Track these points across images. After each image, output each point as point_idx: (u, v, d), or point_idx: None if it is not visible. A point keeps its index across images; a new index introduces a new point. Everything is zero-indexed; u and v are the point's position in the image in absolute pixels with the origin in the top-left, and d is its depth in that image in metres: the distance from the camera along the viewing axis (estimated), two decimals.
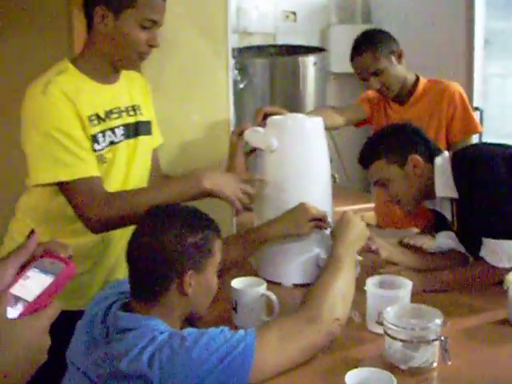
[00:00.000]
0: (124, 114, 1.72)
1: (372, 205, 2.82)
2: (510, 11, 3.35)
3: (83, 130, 1.59)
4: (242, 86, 2.68)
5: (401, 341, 1.26)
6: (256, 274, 1.77)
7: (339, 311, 1.33)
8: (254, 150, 1.87)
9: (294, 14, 3.63)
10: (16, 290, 0.74)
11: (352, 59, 2.30)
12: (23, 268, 0.77)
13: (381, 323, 1.31)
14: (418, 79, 2.32)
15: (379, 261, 1.79)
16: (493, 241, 1.64)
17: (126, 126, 1.71)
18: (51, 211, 1.66)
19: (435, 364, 1.28)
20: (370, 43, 2.25)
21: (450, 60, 3.25)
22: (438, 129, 2.25)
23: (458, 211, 1.78)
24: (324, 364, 1.31)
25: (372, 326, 1.45)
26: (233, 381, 1.16)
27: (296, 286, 1.78)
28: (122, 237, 1.66)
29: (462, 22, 3.21)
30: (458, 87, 2.30)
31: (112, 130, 1.67)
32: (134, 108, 1.76)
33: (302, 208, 1.71)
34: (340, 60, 3.59)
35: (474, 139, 2.37)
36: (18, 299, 0.73)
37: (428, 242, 2.08)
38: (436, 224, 1.97)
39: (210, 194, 1.61)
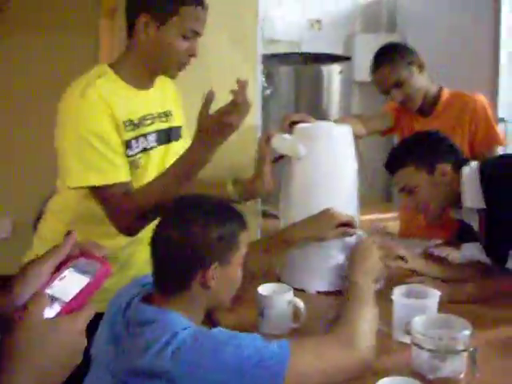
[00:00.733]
0: (157, 120, 1.74)
1: (394, 214, 2.81)
2: None
3: (118, 134, 1.60)
4: (268, 92, 2.70)
5: (429, 351, 1.26)
6: (279, 280, 1.78)
7: (370, 340, 1.29)
8: (280, 158, 1.87)
9: (319, 22, 3.64)
10: (52, 289, 0.74)
11: (373, 74, 2.30)
12: (59, 268, 0.77)
13: (408, 333, 1.31)
14: (440, 90, 2.31)
15: (405, 270, 1.79)
16: None
17: (159, 132, 1.74)
18: (82, 213, 1.68)
19: (462, 375, 1.27)
20: (388, 55, 2.25)
21: (476, 70, 3.24)
22: (461, 141, 2.23)
23: (485, 222, 1.77)
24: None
25: (399, 335, 1.45)
26: None
27: (319, 293, 1.79)
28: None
29: (488, 31, 3.20)
30: (482, 99, 2.29)
31: (145, 136, 1.69)
32: (166, 114, 1.78)
33: (327, 213, 1.71)
34: (364, 68, 3.56)
35: (500, 151, 2.36)
36: (54, 299, 0.73)
37: (452, 253, 2.07)
38: (461, 234, 1.96)
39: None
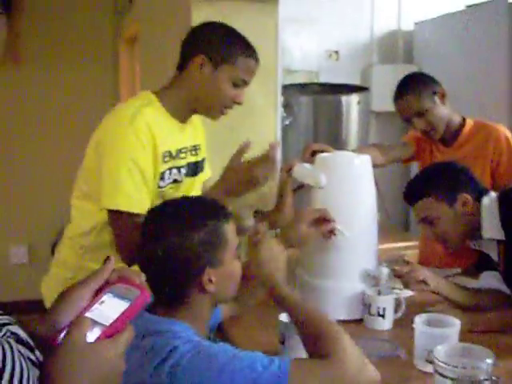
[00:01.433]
0: (189, 154, 1.79)
1: (412, 243, 2.82)
2: None
3: (154, 166, 1.64)
4: (287, 122, 2.73)
5: (451, 379, 1.26)
6: None
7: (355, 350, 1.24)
8: (300, 187, 1.90)
9: (337, 53, 3.69)
10: (92, 314, 0.76)
11: (395, 102, 2.33)
12: (98, 293, 0.79)
13: (431, 361, 1.31)
14: (464, 121, 2.34)
15: (428, 300, 1.80)
16: None
17: (189, 165, 1.79)
18: (96, 240, 1.72)
19: None
20: (412, 85, 2.28)
21: (492, 101, 3.26)
22: (482, 172, 2.24)
23: (504, 252, 1.78)
24: None
25: (420, 364, 1.45)
26: None
27: (339, 321, 1.79)
28: None
29: (505, 62, 3.22)
30: (505, 130, 2.30)
31: (178, 168, 1.74)
32: (196, 147, 1.83)
33: (297, 214, 1.67)
34: (381, 99, 3.63)
35: None
36: (94, 323, 0.75)
37: (470, 283, 2.08)
38: (480, 263, 1.96)
39: None
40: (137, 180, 1.59)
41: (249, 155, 1.73)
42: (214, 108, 1.74)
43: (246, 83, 1.73)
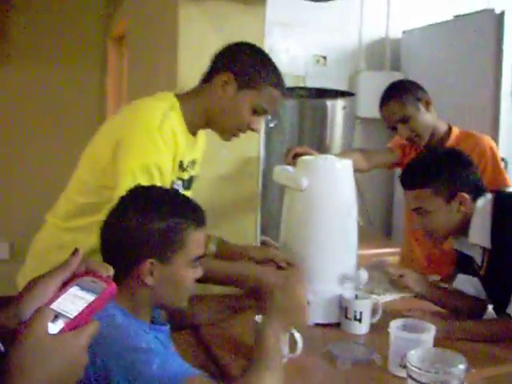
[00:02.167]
0: (191, 167, 1.77)
1: (394, 249, 2.83)
2: None
3: (171, 174, 1.63)
4: (272, 125, 2.73)
5: None
6: None
7: None
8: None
9: (325, 58, 3.70)
10: (57, 306, 0.75)
11: (381, 108, 2.33)
12: (65, 285, 0.79)
13: (404, 366, 1.32)
14: (450, 129, 2.34)
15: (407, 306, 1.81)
16: None
17: (188, 179, 1.76)
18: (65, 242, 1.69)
19: None
20: (396, 91, 2.29)
21: (477, 111, 3.28)
22: None
23: (489, 258, 1.75)
24: None
25: (394, 368, 1.45)
26: None
27: (317, 325, 1.79)
28: None
29: (490, 73, 3.25)
30: (490, 141, 2.31)
31: (182, 180, 1.72)
32: (194, 162, 1.80)
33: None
34: (367, 105, 3.65)
35: None
36: (58, 315, 0.74)
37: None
38: (459, 264, 1.93)
39: None
40: (157, 182, 1.55)
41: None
42: (227, 129, 1.70)
43: (266, 112, 1.70)
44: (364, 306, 1.74)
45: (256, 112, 1.67)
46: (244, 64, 1.65)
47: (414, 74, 3.48)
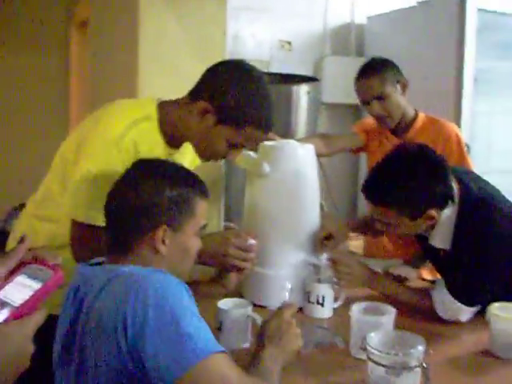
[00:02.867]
0: None
1: (357, 233, 2.84)
2: (498, 51, 3.44)
3: None
4: None
5: (384, 366, 1.27)
6: (241, 297, 1.79)
7: None
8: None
9: (290, 43, 3.69)
10: (3, 294, 0.74)
11: (358, 81, 2.30)
12: (12, 273, 0.77)
13: (364, 348, 1.33)
14: (416, 113, 2.35)
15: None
16: (450, 298, 1.67)
17: None
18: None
19: None
20: (379, 67, 2.27)
21: (440, 97, 3.31)
22: None
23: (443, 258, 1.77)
24: None
25: (355, 351, 1.47)
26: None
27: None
28: None
29: (453, 60, 3.28)
30: (455, 128, 2.32)
31: None
32: None
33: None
34: (332, 90, 3.66)
35: None
36: (4, 304, 0.73)
37: (411, 274, 2.12)
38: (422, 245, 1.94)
39: None
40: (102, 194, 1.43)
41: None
42: (201, 154, 1.63)
43: (243, 147, 1.60)
44: (326, 291, 1.75)
45: (232, 146, 1.57)
46: (228, 101, 1.51)
47: None
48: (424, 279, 2.19)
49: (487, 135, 3.47)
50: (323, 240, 1.86)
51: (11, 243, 1.77)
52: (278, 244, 1.80)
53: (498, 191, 1.77)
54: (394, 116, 2.28)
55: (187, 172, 1.35)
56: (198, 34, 2.11)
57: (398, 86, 2.28)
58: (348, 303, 1.61)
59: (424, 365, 1.27)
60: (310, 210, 1.85)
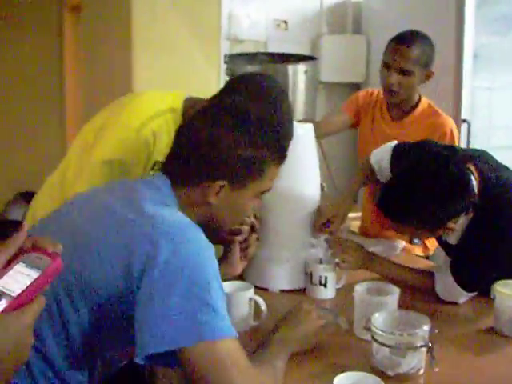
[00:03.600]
0: None
1: (358, 214, 2.82)
2: (497, 26, 3.40)
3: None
4: None
5: (388, 347, 1.26)
6: (243, 279, 1.77)
7: None
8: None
9: (286, 22, 3.65)
10: (1, 284, 0.73)
11: (396, 43, 2.21)
12: (10, 261, 0.75)
13: (368, 329, 1.31)
14: (419, 100, 2.30)
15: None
16: (454, 283, 1.64)
17: None
18: None
19: (422, 371, 1.28)
20: (424, 47, 2.21)
21: (439, 73, 3.27)
22: None
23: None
24: (311, 369, 1.31)
25: (359, 332, 1.45)
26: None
27: (283, 291, 1.78)
28: None
29: (452, 35, 3.24)
30: (452, 124, 2.26)
31: None
32: None
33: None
34: (329, 69, 3.62)
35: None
36: (2, 294, 0.72)
37: (390, 251, 2.11)
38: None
39: None
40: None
41: None
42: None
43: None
44: (328, 271, 1.74)
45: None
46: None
47: (376, 37, 3.47)
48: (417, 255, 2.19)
49: (487, 111, 3.44)
50: (321, 226, 1.84)
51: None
52: (278, 225, 1.79)
53: None
54: (403, 94, 2.23)
55: (275, 130, 1.25)
56: (193, 15, 2.08)
57: (425, 74, 2.23)
58: (351, 284, 1.59)
59: (429, 344, 1.26)
60: (310, 190, 1.83)
